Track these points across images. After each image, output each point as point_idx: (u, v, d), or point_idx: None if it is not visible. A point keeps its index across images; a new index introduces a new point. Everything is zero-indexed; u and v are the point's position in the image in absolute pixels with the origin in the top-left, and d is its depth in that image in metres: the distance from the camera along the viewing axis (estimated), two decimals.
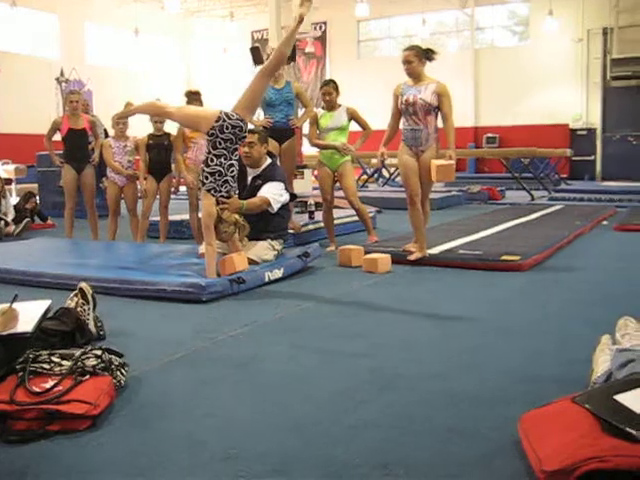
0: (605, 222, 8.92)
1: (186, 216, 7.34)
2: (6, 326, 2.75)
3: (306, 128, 7.01)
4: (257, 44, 19.08)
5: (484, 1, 22.53)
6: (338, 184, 6.80)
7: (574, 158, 19.26)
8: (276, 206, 5.48)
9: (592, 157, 21.19)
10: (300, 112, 7.35)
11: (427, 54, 5.60)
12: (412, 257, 5.70)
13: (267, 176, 5.59)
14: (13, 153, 16.69)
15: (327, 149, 6.63)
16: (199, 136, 6.64)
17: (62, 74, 18.71)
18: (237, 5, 23.86)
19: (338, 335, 3.57)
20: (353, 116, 6.66)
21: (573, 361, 3.00)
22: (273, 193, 5.47)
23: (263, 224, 5.45)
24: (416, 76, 5.60)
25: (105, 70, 21.81)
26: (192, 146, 6.66)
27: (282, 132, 6.64)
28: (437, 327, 3.72)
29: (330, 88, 6.63)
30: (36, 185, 11.81)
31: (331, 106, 6.64)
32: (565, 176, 19.00)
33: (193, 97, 6.66)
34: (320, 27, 24.21)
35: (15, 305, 2.82)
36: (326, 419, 2.42)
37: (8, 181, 12.75)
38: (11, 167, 15.00)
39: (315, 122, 6.65)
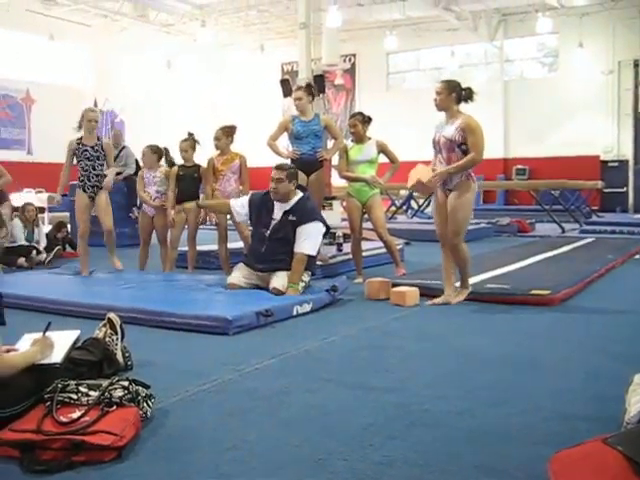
0: (638, 256, 8.78)
1: (214, 246, 7.38)
2: (43, 354, 2.79)
3: (335, 159, 7.05)
4: (287, 76, 19.32)
5: (513, 33, 22.59)
6: (367, 216, 6.80)
7: (605, 190, 19.08)
8: (316, 252, 5.65)
9: (624, 189, 20.96)
10: (330, 144, 7.40)
11: (461, 91, 5.25)
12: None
13: (302, 213, 5.56)
14: (46, 182, 16.99)
15: (356, 181, 6.65)
16: (227, 168, 6.71)
17: (95, 104, 19.07)
18: (267, 38, 24.21)
19: (365, 369, 3.54)
20: (382, 149, 6.68)
21: (604, 399, 2.94)
22: (313, 243, 5.53)
23: (292, 254, 5.47)
24: (443, 109, 5.28)
25: (137, 101, 22.19)
26: (221, 178, 6.72)
27: (309, 164, 6.67)
28: (464, 362, 3.68)
29: (355, 121, 6.67)
30: (68, 214, 11.98)
31: (360, 139, 6.67)
32: (596, 208, 18.81)
33: (216, 132, 6.79)
34: (349, 59, 24.45)
35: (48, 334, 2.87)
36: (352, 455, 2.40)
37: (41, 209, 12.97)
38: (44, 196, 15.27)
39: (345, 154, 6.68)
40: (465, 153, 5.18)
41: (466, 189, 5.26)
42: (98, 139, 6.85)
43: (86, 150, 6.70)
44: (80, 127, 6.83)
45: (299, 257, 5.43)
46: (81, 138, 6.78)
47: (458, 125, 5.18)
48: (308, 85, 7.17)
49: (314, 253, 5.60)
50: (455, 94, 5.24)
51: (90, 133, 6.77)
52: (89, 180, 6.73)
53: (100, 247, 7.25)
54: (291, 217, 5.55)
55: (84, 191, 6.75)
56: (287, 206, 5.61)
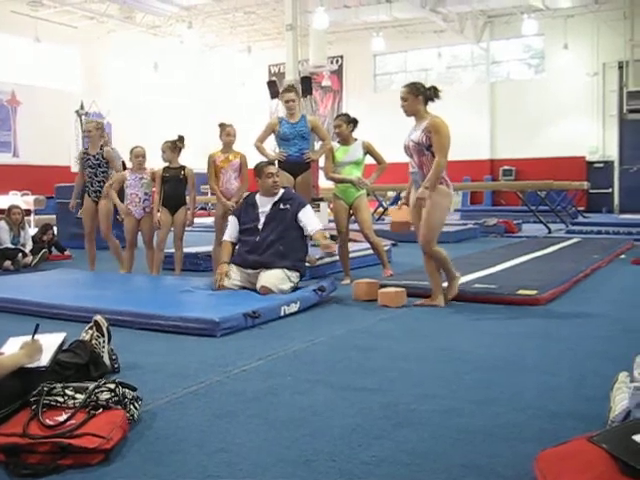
0: (623, 256, 8.85)
1: (201, 248, 7.37)
2: (31, 358, 2.77)
3: (322, 161, 7.06)
4: (274, 78, 19.33)
5: (499, 35, 22.73)
6: (354, 217, 6.81)
7: (591, 191, 19.23)
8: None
9: (610, 190, 21.14)
10: (317, 145, 7.41)
11: (427, 92, 5.13)
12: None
13: (294, 200, 5.80)
14: (32, 184, 16.91)
15: (343, 183, 6.65)
16: (228, 166, 6.71)
17: (82, 107, 19.01)
18: (254, 39, 24.21)
19: (352, 370, 3.55)
20: (369, 150, 6.69)
21: (590, 398, 2.96)
22: (316, 221, 5.84)
23: (284, 249, 5.50)
24: (412, 114, 5.19)
25: (124, 103, 22.13)
26: (221, 176, 6.72)
27: (296, 166, 6.68)
28: (451, 362, 3.69)
29: (339, 121, 6.68)
30: (54, 216, 11.94)
31: (346, 140, 6.67)
32: (582, 209, 18.94)
33: (225, 127, 6.82)
34: (337, 61, 24.50)
35: (36, 337, 2.85)
36: (339, 455, 2.40)
37: (27, 212, 12.89)
38: (30, 198, 15.20)
39: (331, 156, 6.68)
40: (435, 155, 5.07)
41: (439, 194, 5.12)
42: (101, 148, 7.30)
43: (89, 159, 7.25)
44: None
45: (318, 234, 5.72)
46: (87, 147, 7.42)
47: (424, 127, 5.07)
48: (293, 86, 7.19)
49: (322, 227, 5.93)
50: (421, 96, 5.12)
51: (91, 142, 7.34)
52: (92, 186, 7.26)
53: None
54: (282, 206, 5.73)
55: (89, 195, 7.28)
56: (275, 197, 5.79)
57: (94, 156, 7.21)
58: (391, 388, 3.19)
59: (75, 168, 7.51)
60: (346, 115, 6.82)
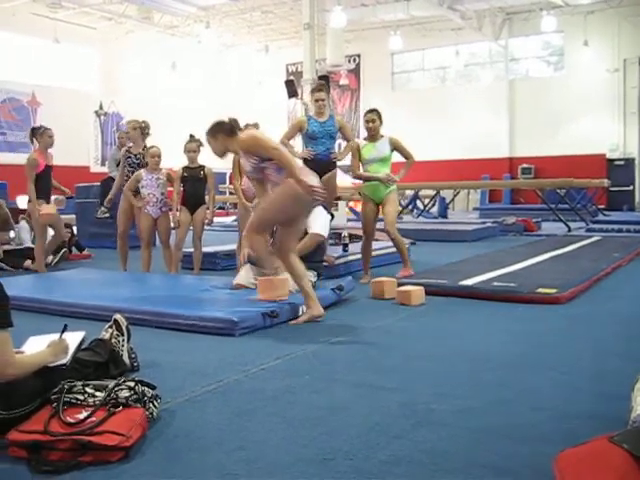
0: None
1: (220, 247, 7.38)
2: (55, 357, 2.79)
3: (347, 159, 6.99)
4: (291, 77, 19.35)
5: (518, 32, 22.59)
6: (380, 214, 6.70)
7: (612, 188, 19.05)
8: (327, 233, 5.63)
9: (630, 187, 20.92)
10: (337, 145, 7.39)
11: (226, 126, 4.76)
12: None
13: None
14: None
15: (370, 181, 6.58)
16: None
17: (101, 107, 19.15)
18: (272, 39, 24.25)
19: (370, 369, 3.54)
20: (396, 146, 6.59)
21: (610, 397, 2.93)
22: (321, 225, 5.52)
23: None
24: (223, 154, 4.92)
25: (142, 103, 22.23)
26: (244, 175, 6.72)
27: (323, 165, 6.63)
28: (469, 361, 3.67)
29: (373, 115, 6.59)
30: (74, 216, 12.02)
31: (374, 136, 6.62)
32: (603, 207, 18.77)
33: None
34: (354, 60, 24.48)
35: (56, 336, 2.87)
36: (358, 454, 2.40)
37: None
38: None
39: (357, 153, 6.62)
40: (269, 160, 4.59)
41: (285, 185, 4.59)
42: (144, 148, 7.33)
43: (130, 157, 7.40)
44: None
45: (311, 235, 5.35)
46: (130, 147, 7.56)
47: (239, 151, 4.72)
48: (323, 85, 7.12)
49: (324, 234, 5.66)
50: (220, 134, 4.73)
51: (134, 142, 7.51)
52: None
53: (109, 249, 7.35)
54: None
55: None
56: None
57: (135, 155, 7.35)
58: (409, 387, 3.18)
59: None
60: (377, 110, 6.72)
